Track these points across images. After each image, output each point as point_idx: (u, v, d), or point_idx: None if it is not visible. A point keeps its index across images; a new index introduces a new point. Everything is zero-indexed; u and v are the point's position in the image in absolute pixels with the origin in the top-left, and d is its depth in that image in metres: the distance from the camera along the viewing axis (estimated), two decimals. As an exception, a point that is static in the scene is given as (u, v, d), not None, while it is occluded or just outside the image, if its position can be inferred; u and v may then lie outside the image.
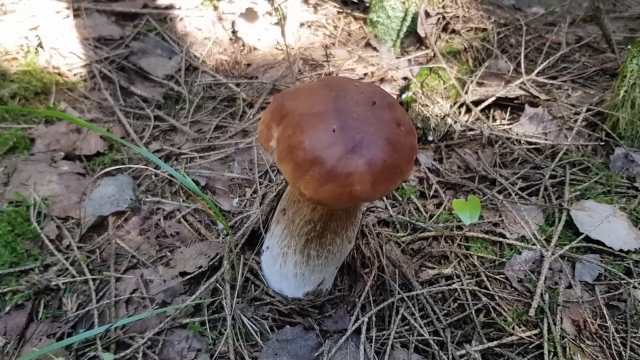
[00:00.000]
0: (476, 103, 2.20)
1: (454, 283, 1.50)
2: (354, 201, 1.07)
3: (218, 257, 1.47)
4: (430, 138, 2.04)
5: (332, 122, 1.05)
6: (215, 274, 1.43)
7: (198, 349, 1.33)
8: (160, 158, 1.86)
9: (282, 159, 1.08)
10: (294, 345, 1.35)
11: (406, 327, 1.41)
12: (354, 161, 1.03)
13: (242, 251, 1.48)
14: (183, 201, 1.70)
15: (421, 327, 1.40)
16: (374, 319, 1.40)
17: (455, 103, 2.17)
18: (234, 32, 2.56)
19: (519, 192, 1.79)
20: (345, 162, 1.03)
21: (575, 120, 2.08)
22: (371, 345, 1.35)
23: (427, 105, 2.06)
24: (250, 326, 1.36)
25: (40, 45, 2.21)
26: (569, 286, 1.51)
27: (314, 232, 1.28)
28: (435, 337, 1.39)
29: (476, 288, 1.48)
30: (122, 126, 2.05)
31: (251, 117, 2.14)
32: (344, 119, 1.06)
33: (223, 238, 1.56)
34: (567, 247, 1.56)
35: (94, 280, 1.44)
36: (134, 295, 1.40)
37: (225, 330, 1.35)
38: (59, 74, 2.19)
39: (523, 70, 2.34)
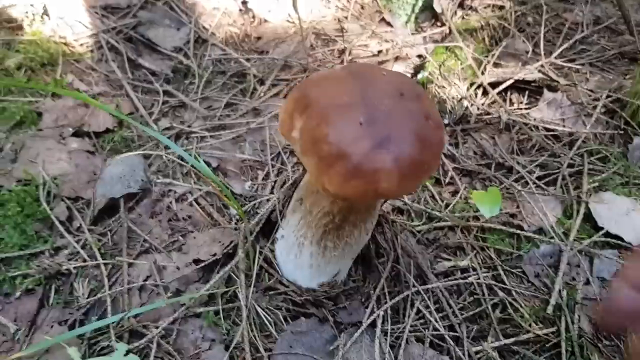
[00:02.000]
0: (493, 85, 2.14)
1: (470, 276, 1.48)
2: (378, 198, 1.04)
3: (232, 244, 1.44)
4: (446, 121, 1.99)
5: (359, 115, 1.01)
6: (229, 263, 1.40)
7: (212, 339, 1.31)
8: (170, 137, 1.82)
9: (305, 152, 1.04)
10: (309, 338, 1.34)
11: (421, 321, 1.40)
12: (381, 157, 0.99)
13: (256, 239, 1.45)
14: (195, 183, 1.66)
15: (436, 321, 1.38)
16: (389, 311, 1.38)
17: (472, 84, 2.12)
18: (244, 2, 2.48)
19: (537, 182, 1.76)
20: (372, 157, 0.98)
21: (594, 107, 2.04)
22: (386, 339, 1.33)
23: (443, 87, 2.00)
24: (265, 317, 1.34)
25: (45, 13, 2.13)
26: (587, 282, 1.49)
27: (332, 224, 1.25)
28: (451, 332, 1.37)
29: (492, 282, 1.47)
30: (130, 101, 1.99)
31: (262, 94, 2.08)
32: (372, 112, 1.01)
33: (236, 223, 1.53)
34: (586, 242, 1.54)
35: (105, 265, 1.41)
36: (147, 282, 1.37)
37: (239, 320, 1.33)
38: (66, 44, 2.12)
39: (542, 52, 2.27)
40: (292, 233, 1.34)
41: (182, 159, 1.75)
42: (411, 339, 1.36)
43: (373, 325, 1.35)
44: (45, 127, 1.74)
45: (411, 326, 1.38)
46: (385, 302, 1.39)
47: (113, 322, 1.27)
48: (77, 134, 1.77)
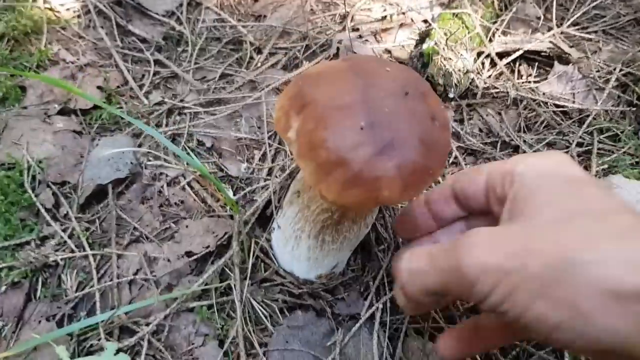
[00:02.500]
0: (501, 55, 2.04)
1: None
2: (379, 205, 0.97)
3: (226, 236, 1.38)
4: (451, 95, 1.90)
5: (359, 118, 0.93)
6: (223, 255, 1.35)
7: (205, 334, 1.27)
8: (161, 113, 1.73)
9: (302, 156, 0.97)
10: (305, 332, 1.30)
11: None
12: (382, 164, 0.92)
13: (252, 229, 1.40)
14: (187, 164, 1.59)
15: (436, 313, 1.34)
16: (388, 303, 1.34)
17: (479, 55, 2.02)
18: (239, -39, 2.34)
19: (544, 163, 1.68)
20: (373, 165, 0.91)
21: (606, 81, 1.94)
22: (385, 332, 1.30)
23: (450, 59, 1.90)
24: (260, 310, 1.30)
25: (28, -25, 2.01)
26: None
27: (330, 220, 1.19)
28: (450, 324, 1.33)
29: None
30: (119, 72, 1.90)
31: (259, 64, 1.98)
32: (373, 114, 0.93)
33: (231, 209, 1.47)
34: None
35: (94, 256, 1.36)
36: (137, 276, 1.33)
37: (234, 313, 1.29)
38: (51, 9, 2.00)
39: (554, 19, 2.15)
40: (289, 225, 1.28)
41: (174, 137, 1.68)
42: (410, 331, 1.33)
43: (372, 317, 1.31)
44: (29, 104, 1.66)
45: (410, 317, 1.34)
46: (385, 294, 1.35)
47: (102, 320, 1.23)
48: (63, 111, 1.68)
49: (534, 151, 1.71)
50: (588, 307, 0.70)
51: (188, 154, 1.61)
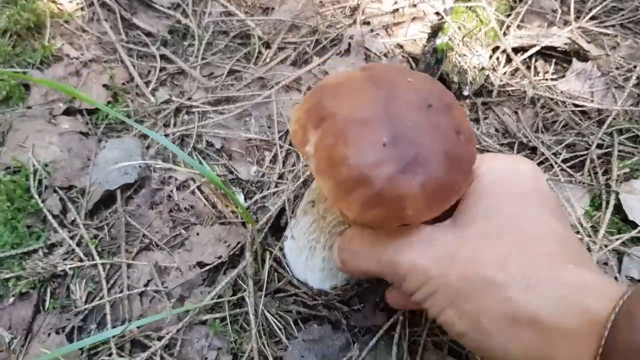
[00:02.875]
0: (516, 50, 1.98)
1: (491, 275, 1.40)
2: (402, 222, 0.93)
3: (239, 245, 1.34)
4: (465, 93, 1.85)
5: (382, 133, 0.88)
6: (236, 265, 1.31)
7: (219, 347, 1.24)
8: (169, 112, 1.68)
9: (321, 172, 0.92)
10: (321, 345, 1.27)
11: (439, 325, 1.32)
12: (406, 182, 0.87)
13: (264, 238, 1.36)
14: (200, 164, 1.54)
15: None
16: (407, 314, 1.30)
17: (494, 50, 1.96)
18: (246, -50, 2.27)
19: (562, 165, 1.64)
20: (396, 183, 0.86)
21: (626, 79, 1.89)
22: (403, 346, 1.26)
23: (464, 55, 1.84)
24: (274, 322, 1.27)
25: (29, -34, 1.94)
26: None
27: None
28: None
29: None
30: (125, 68, 1.84)
31: (268, 59, 1.93)
32: (396, 129, 0.89)
33: (242, 216, 1.43)
34: (617, 243, 1.44)
35: (103, 265, 1.33)
36: (148, 288, 1.29)
37: (247, 326, 1.26)
38: (54, 2, 1.94)
39: (572, 12, 2.09)
40: (303, 235, 1.24)
41: (182, 139, 1.63)
42: (428, 344, 1.29)
43: (389, 329, 1.27)
44: (34, 104, 1.61)
45: (429, 329, 1.31)
46: (402, 305, 1.31)
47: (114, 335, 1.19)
48: (69, 110, 1.64)
49: (553, 153, 1.67)
50: (488, 325, 0.77)
51: (198, 158, 1.57)
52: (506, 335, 0.76)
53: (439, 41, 1.90)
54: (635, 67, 1.91)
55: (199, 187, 1.50)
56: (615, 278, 1.41)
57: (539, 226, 0.86)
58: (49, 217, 1.38)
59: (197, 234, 1.37)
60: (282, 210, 1.40)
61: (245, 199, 1.49)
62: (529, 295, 0.75)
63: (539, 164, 1.65)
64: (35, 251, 1.34)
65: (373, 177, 0.86)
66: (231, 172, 1.56)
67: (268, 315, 1.26)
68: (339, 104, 0.94)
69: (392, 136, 0.87)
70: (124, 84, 1.78)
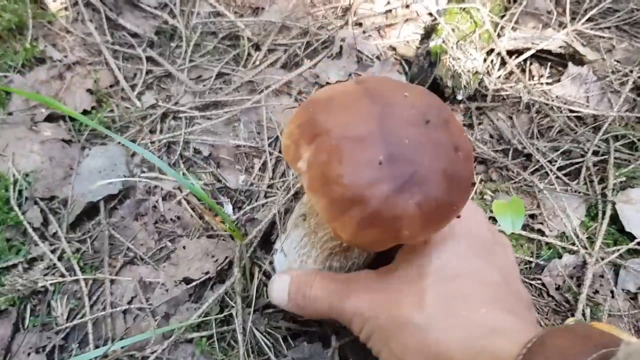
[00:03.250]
0: (511, 53, 1.95)
1: (485, 288, 1.36)
2: (398, 243, 0.90)
3: (227, 260, 1.30)
4: (459, 97, 1.81)
5: (378, 151, 0.84)
6: (224, 280, 1.27)
7: (206, 366, 1.20)
8: (155, 118, 1.63)
9: (314, 190, 0.88)
10: (311, 364, 1.23)
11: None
12: (403, 202, 0.83)
13: (253, 252, 1.31)
14: (184, 175, 1.50)
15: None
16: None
17: (488, 53, 1.92)
18: (236, -52, 2.21)
19: (557, 173, 1.61)
20: (392, 203, 0.83)
21: (622, 84, 1.85)
22: None
23: (458, 59, 1.80)
24: (263, 340, 1.22)
25: (10, -36, 1.88)
26: (610, 295, 1.38)
27: (339, 248, 1.11)
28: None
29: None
30: (110, 70, 1.79)
31: (257, 62, 1.88)
32: (392, 146, 0.85)
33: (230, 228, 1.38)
34: (614, 255, 1.41)
35: (85, 280, 1.28)
36: (132, 305, 1.24)
37: (235, 343, 1.22)
38: (36, 2, 1.88)
39: (567, 15, 2.05)
40: (294, 249, 1.20)
41: (169, 146, 1.58)
42: None
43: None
44: (15, 110, 1.55)
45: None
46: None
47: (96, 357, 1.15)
48: (51, 117, 1.58)
49: (549, 161, 1.63)
50: None
51: (184, 167, 1.52)
52: None
53: (433, 44, 1.86)
54: (631, 71, 1.88)
55: (185, 197, 1.46)
56: (612, 292, 1.38)
57: (460, 266, 0.92)
58: (30, 230, 1.33)
59: (184, 247, 1.33)
60: (272, 224, 1.36)
61: (233, 209, 1.44)
62: (443, 336, 0.82)
63: (533, 173, 1.62)
64: (14, 266, 1.29)
65: (368, 196, 0.83)
66: (219, 181, 1.52)
67: (256, 332, 1.22)
68: (333, 119, 0.90)
69: (388, 154, 0.84)
70: (108, 87, 1.73)
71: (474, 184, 1.59)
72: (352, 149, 0.85)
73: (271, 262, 1.31)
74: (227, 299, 1.25)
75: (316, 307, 1.04)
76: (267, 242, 1.36)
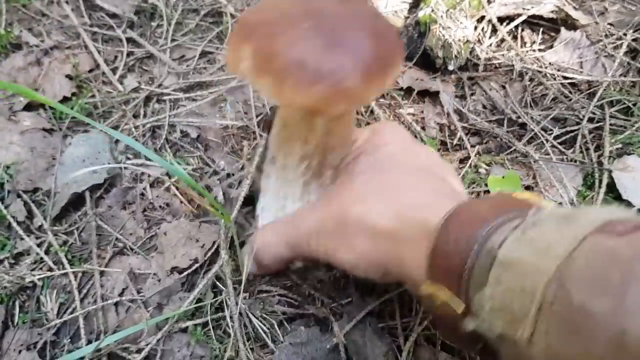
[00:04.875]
0: (501, 19, 1.90)
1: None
2: (348, 100, 0.93)
3: (215, 245, 1.27)
4: (450, 67, 1.77)
5: (305, 22, 0.90)
6: (213, 267, 1.24)
7: (201, 355, 1.18)
8: (138, 102, 1.58)
9: (261, 73, 0.91)
10: (309, 348, 1.20)
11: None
12: (338, 56, 0.89)
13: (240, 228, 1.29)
14: (171, 161, 1.46)
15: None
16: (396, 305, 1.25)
17: (479, 21, 1.87)
18: None
19: (553, 142, 1.58)
20: (329, 58, 0.88)
21: (616, 47, 1.81)
22: (394, 341, 1.21)
23: (449, 28, 1.75)
24: (259, 326, 1.20)
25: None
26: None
27: (310, 171, 1.12)
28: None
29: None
30: (89, 54, 1.73)
31: (242, 39, 1.82)
32: (318, 18, 0.91)
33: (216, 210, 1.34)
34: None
35: (74, 273, 1.24)
36: (123, 297, 1.21)
37: (231, 330, 1.19)
38: (8, -16, 1.81)
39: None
40: (272, 200, 1.18)
41: (153, 130, 1.54)
42: (420, 339, 1.24)
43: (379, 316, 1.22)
44: (-9, 99, 1.50)
45: (419, 324, 1.25)
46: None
47: (89, 350, 1.12)
48: (30, 106, 1.53)
49: (543, 129, 1.60)
50: (356, 242, 0.93)
51: (170, 152, 1.48)
52: (371, 246, 0.91)
53: (422, 13, 1.81)
54: (625, 34, 1.83)
55: (174, 183, 1.42)
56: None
57: (386, 162, 1.02)
58: (14, 224, 1.29)
59: (165, 234, 1.29)
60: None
61: (224, 193, 1.41)
62: (381, 217, 0.90)
63: (529, 141, 1.58)
64: (0, 262, 1.25)
65: (306, 56, 0.87)
66: (208, 165, 1.48)
67: (252, 317, 1.20)
68: (264, 15, 0.96)
69: (315, 22, 0.90)
70: (88, 72, 1.67)
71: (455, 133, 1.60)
72: (285, 25, 0.91)
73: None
74: (220, 285, 1.22)
75: (274, 252, 1.10)
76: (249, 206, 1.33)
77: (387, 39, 0.97)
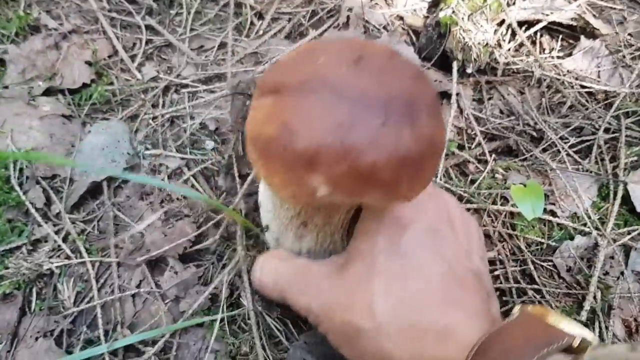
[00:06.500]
0: (521, 24, 1.89)
1: (496, 270, 1.35)
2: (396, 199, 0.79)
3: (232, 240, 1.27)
4: (469, 71, 1.77)
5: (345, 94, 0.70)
6: (229, 263, 1.24)
7: (217, 350, 1.19)
8: (157, 91, 1.58)
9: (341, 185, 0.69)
10: (323, 348, 1.21)
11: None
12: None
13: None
14: (190, 152, 1.46)
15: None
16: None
17: (499, 25, 1.87)
18: None
19: (569, 151, 1.58)
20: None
21: (634, 58, 1.81)
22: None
23: (469, 31, 1.75)
24: (274, 325, 1.21)
25: None
26: (621, 276, 1.37)
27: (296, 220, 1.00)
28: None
29: (520, 278, 1.34)
30: (108, 39, 1.72)
31: (261, 32, 1.81)
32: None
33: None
34: (626, 238, 1.40)
35: (92, 263, 1.25)
36: (140, 289, 1.22)
37: (246, 326, 1.20)
38: (27, -35, 1.79)
39: (578, -16, 1.99)
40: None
41: (172, 121, 1.53)
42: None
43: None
44: (10, 83, 1.49)
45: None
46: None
47: (106, 339, 1.13)
48: (49, 90, 1.52)
49: (560, 137, 1.60)
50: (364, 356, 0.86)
51: (189, 142, 1.47)
52: None
53: (442, 14, 1.80)
54: (643, 45, 1.83)
55: (194, 175, 1.42)
56: (622, 273, 1.37)
57: (406, 262, 0.87)
58: (32, 210, 1.29)
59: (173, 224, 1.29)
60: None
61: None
62: (394, 346, 0.80)
63: (545, 149, 1.59)
64: (18, 248, 1.25)
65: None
66: (224, 158, 1.47)
67: (267, 318, 1.21)
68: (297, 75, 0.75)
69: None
70: (107, 58, 1.67)
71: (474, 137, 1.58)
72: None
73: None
74: (237, 280, 1.23)
75: (269, 294, 1.06)
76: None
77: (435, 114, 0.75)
